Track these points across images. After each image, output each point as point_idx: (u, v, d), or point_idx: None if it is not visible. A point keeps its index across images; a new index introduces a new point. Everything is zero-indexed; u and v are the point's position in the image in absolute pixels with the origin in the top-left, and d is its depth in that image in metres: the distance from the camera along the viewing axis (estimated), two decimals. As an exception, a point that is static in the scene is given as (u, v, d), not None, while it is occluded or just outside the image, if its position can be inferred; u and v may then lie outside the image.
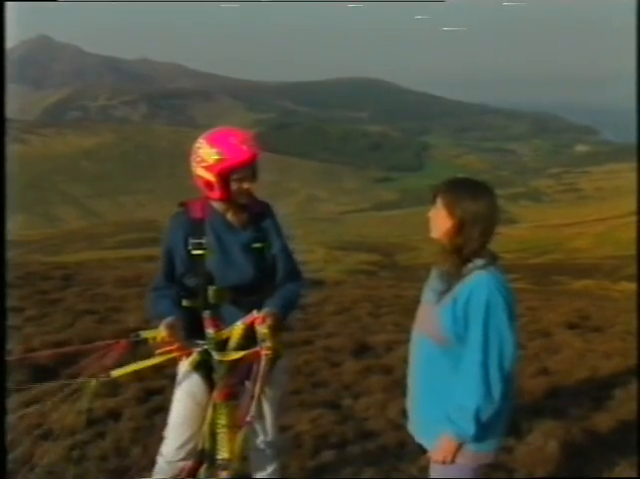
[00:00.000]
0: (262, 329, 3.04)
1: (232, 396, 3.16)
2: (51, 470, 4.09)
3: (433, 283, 2.85)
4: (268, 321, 3.06)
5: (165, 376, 5.83)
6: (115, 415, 5.08)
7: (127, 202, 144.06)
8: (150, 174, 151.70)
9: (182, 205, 3.38)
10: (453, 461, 2.75)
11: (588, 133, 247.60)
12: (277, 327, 3.12)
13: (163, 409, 5.09)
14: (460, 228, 2.68)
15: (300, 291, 3.44)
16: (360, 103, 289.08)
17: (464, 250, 2.69)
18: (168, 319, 3.05)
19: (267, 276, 3.36)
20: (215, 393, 3.13)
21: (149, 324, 3.20)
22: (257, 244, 3.33)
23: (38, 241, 63.67)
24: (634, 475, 4.26)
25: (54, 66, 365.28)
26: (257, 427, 3.43)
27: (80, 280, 12.17)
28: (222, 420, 3.14)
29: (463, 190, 2.72)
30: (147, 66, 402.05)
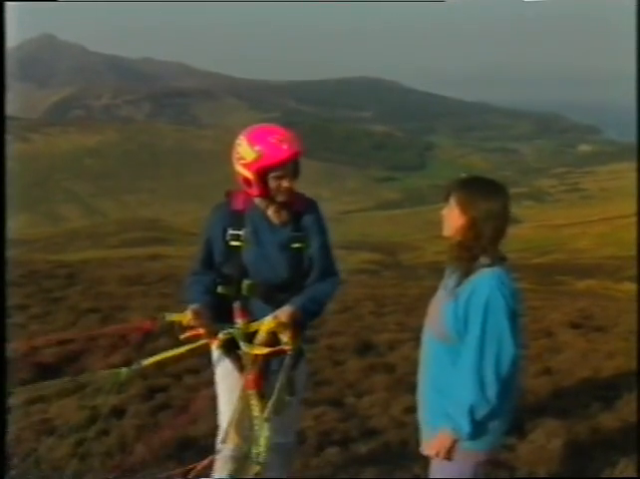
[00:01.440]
0: (270, 323, 3.09)
1: (263, 387, 3.18)
2: (55, 466, 4.11)
3: (445, 280, 2.87)
4: (282, 318, 3.11)
5: (169, 374, 5.89)
6: (119, 412, 5.10)
7: (130, 200, 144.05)
8: (153, 173, 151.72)
9: (227, 195, 3.40)
10: (447, 457, 2.78)
11: (592, 132, 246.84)
12: (294, 325, 3.15)
13: (167, 406, 5.14)
14: (472, 225, 2.70)
15: (332, 289, 3.43)
16: (363, 102, 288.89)
17: (474, 249, 2.71)
18: (195, 306, 3.09)
19: (302, 277, 3.37)
20: (245, 382, 3.16)
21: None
22: (296, 245, 3.33)
23: (41, 240, 63.67)
24: (635, 475, 4.27)
25: (58, 65, 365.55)
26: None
27: (83, 279, 12.21)
28: (255, 411, 3.15)
29: (476, 188, 2.75)
30: (150, 65, 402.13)
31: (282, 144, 3.16)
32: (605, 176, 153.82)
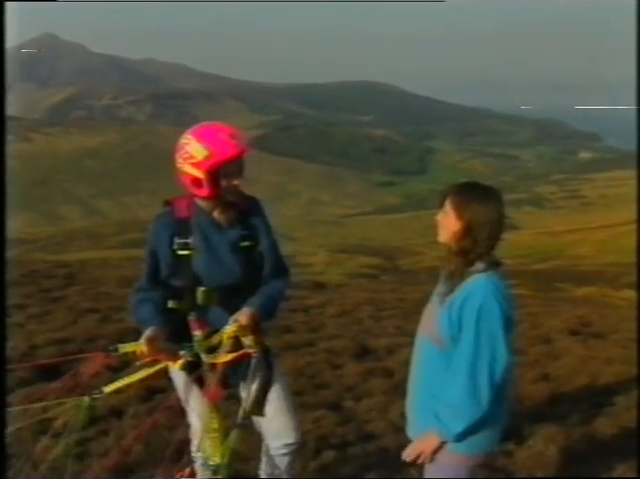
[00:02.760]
0: (232, 328, 3.00)
1: (224, 399, 3.12)
2: (54, 466, 4.11)
3: (439, 286, 2.87)
4: (242, 321, 3.01)
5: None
6: (118, 413, 5.11)
7: (130, 201, 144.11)
8: (153, 174, 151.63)
9: (168, 203, 3.27)
10: (431, 459, 2.77)
11: (592, 139, 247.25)
12: (255, 326, 3.07)
13: (166, 408, 5.12)
14: (468, 230, 2.68)
15: (284, 287, 3.35)
16: (364, 106, 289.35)
17: (470, 254, 2.70)
18: (148, 332, 2.97)
19: (256, 276, 3.28)
20: (207, 396, 3.10)
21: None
22: (246, 243, 3.23)
23: (41, 240, 63.72)
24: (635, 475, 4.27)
25: (60, 65, 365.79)
26: (266, 431, 3.38)
27: (82, 279, 12.21)
28: (214, 424, 3.09)
29: (473, 193, 2.73)
30: (152, 66, 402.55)
31: (232, 139, 3.05)
32: (605, 183, 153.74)
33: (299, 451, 3.52)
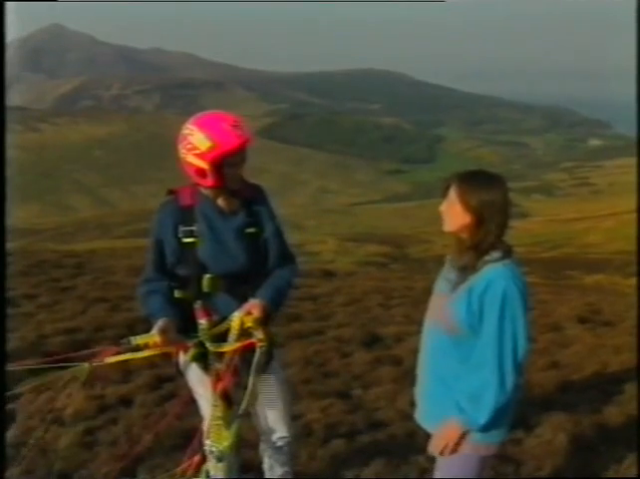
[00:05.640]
0: (248, 322, 3.01)
1: (229, 388, 3.11)
2: (62, 455, 4.13)
3: (447, 274, 2.85)
4: (255, 313, 3.02)
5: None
6: (126, 402, 5.12)
7: (138, 191, 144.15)
8: (161, 164, 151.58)
9: (171, 192, 3.26)
10: (454, 449, 2.76)
11: (602, 127, 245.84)
12: (265, 318, 3.07)
13: (175, 396, 5.14)
14: (478, 222, 2.65)
15: (292, 277, 3.34)
16: (373, 94, 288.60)
17: (482, 245, 2.68)
18: (160, 323, 2.97)
19: (261, 262, 3.26)
20: (212, 384, 3.11)
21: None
22: (250, 229, 3.22)
23: (50, 230, 63.97)
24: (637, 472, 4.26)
25: (68, 55, 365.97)
26: (262, 423, 3.40)
27: (91, 269, 12.23)
28: (218, 412, 3.09)
29: (478, 182, 2.69)
30: (160, 56, 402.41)
31: (236, 130, 3.03)
32: (614, 170, 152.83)
33: (291, 445, 3.51)
